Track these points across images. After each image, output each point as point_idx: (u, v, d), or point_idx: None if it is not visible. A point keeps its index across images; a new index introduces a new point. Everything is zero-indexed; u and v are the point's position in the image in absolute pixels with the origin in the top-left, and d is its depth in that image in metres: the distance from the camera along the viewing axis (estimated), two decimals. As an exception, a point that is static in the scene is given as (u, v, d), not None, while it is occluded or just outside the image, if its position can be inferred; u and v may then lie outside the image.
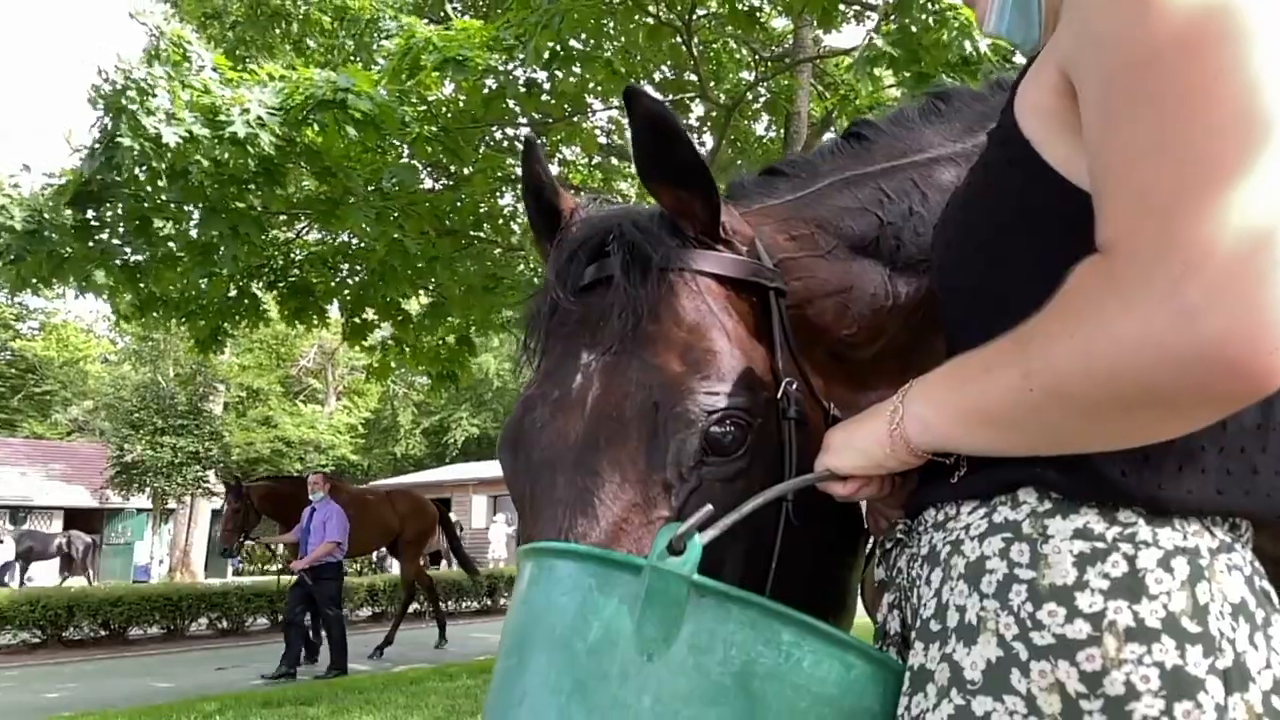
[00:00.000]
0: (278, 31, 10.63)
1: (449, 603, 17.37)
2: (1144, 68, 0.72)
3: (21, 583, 19.59)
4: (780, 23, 10.36)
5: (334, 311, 9.47)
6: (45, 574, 21.79)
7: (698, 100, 9.81)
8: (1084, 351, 0.72)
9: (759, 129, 10.94)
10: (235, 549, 11.43)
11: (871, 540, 1.19)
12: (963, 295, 0.99)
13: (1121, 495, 0.80)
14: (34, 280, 7.47)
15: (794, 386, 1.06)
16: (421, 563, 13.04)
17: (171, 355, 27.82)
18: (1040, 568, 0.80)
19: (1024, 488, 0.85)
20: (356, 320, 9.17)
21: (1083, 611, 0.76)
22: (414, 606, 16.20)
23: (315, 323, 9.10)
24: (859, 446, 0.97)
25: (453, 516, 26.24)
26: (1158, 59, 0.71)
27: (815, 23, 8.86)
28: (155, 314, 8.51)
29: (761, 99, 9.96)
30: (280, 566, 12.37)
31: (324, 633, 10.26)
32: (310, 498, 10.17)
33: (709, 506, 0.87)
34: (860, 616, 1.21)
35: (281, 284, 8.64)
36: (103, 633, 13.73)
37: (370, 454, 36.03)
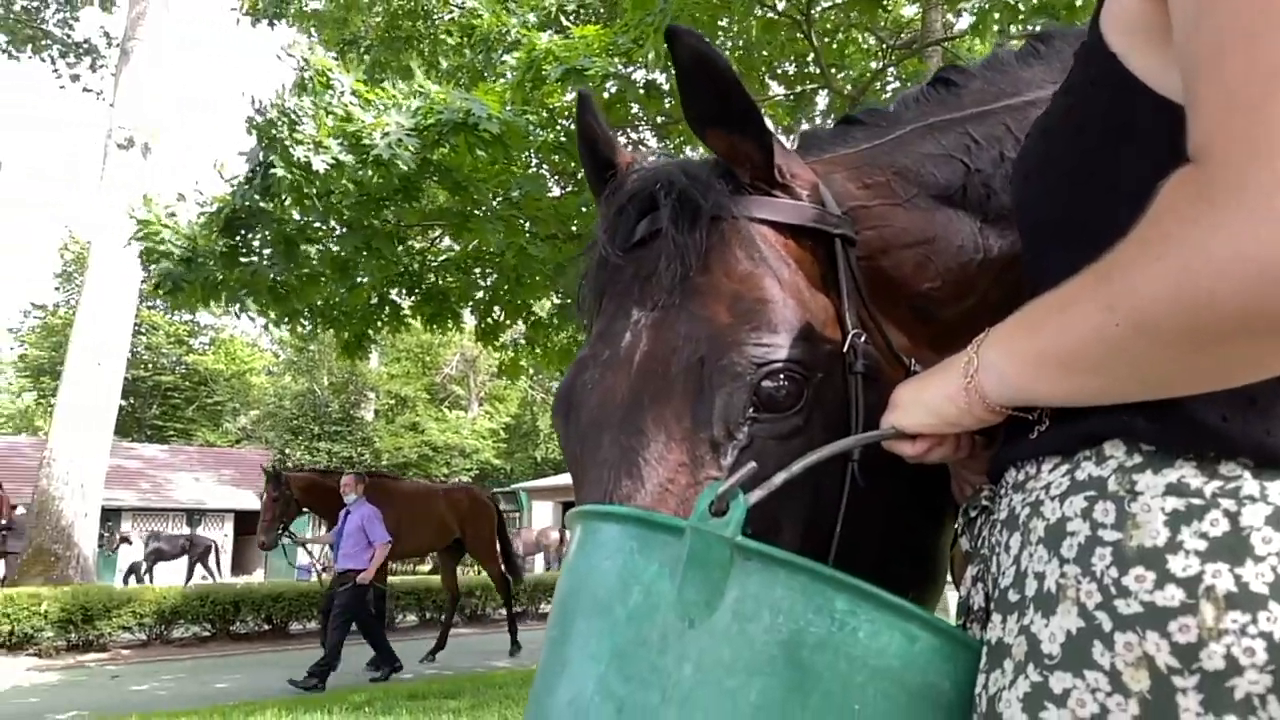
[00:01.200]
0: (411, 53, 11.05)
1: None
2: None
3: (188, 580, 20.90)
4: (909, 10, 10.05)
5: (469, 316, 9.70)
6: (173, 574, 22.59)
7: (822, 91, 9.60)
8: (1174, 273, 0.62)
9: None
10: (274, 541, 10.64)
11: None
12: (1045, 229, 0.89)
13: (1223, 444, 0.70)
14: (193, 301, 8.02)
15: (863, 339, 0.99)
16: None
17: (325, 365, 29.37)
18: (1127, 528, 0.70)
19: (1110, 440, 0.75)
20: (488, 321, 9.41)
21: (1175, 576, 0.67)
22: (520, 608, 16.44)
23: (451, 327, 9.38)
24: (929, 403, 0.88)
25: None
26: None
27: (944, 5, 8.56)
28: (302, 322, 8.97)
29: (890, 86, 9.66)
30: (322, 567, 12.05)
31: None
32: (344, 500, 9.61)
33: (752, 464, 0.82)
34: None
35: (417, 290, 8.95)
36: (266, 627, 14.62)
37: (512, 458, 36.98)
